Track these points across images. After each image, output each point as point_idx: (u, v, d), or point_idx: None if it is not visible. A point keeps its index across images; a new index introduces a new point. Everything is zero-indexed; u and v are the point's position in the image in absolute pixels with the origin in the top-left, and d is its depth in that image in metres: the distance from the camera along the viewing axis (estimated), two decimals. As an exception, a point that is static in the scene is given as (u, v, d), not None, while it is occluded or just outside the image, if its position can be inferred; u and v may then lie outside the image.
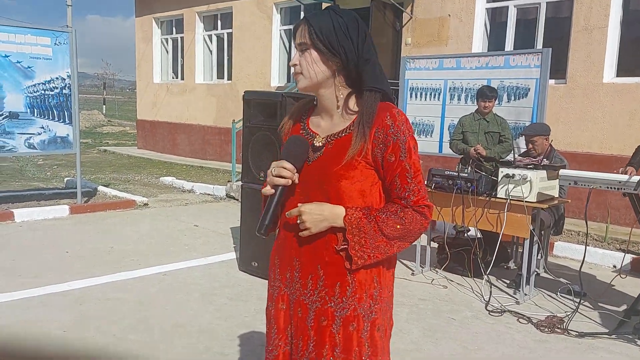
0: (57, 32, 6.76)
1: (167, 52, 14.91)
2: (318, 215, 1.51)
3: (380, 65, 1.58)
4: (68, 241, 5.59)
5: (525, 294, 4.36)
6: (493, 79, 5.87)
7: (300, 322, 1.60)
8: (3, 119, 6.40)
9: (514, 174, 4.17)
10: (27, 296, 4.03)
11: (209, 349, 3.30)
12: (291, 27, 10.75)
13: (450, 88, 6.30)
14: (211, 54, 13.52)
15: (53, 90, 6.73)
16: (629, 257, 5.34)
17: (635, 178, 3.78)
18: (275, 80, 11.63)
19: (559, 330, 3.75)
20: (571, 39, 7.17)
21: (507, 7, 8.09)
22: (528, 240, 4.25)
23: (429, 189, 4.62)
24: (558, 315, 4.02)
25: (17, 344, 3.29)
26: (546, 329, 3.77)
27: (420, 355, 3.35)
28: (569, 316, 3.92)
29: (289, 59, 10.66)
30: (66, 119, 6.88)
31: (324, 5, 9.68)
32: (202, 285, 4.44)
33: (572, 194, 5.98)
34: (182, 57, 14.11)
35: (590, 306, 4.28)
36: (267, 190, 1.58)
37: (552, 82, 6.83)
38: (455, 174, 4.59)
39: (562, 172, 4.28)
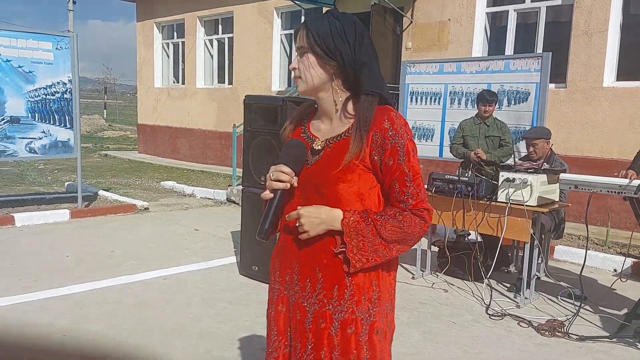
0: (58, 36, 6.79)
1: (168, 56, 14.95)
2: (315, 218, 1.51)
3: (380, 68, 1.58)
4: (68, 245, 5.59)
5: (526, 298, 4.36)
6: (493, 83, 5.88)
7: (299, 325, 1.60)
8: (4, 123, 6.42)
9: (514, 178, 4.17)
10: (27, 300, 4.03)
11: (209, 352, 3.30)
12: (292, 31, 10.78)
13: (450, 92, 6.31)
14: (212, 58, 13.55)
15: (54, 95, 6.75)
16: (629, 261, 5.34)
17: (636, 182, 3.79)
18: (276, 85, 11.64)
19: (559, 334, 3.75)
20: (571, 43, 7.18)
21: (507, 12, 8.10)
22: (528, 244, 4.25)
23: (430, 193, 4.63)
24: (559, 318, 4.02)
25: (17, 348, 3.29)
26: (547, 333, 3.76)
27: (420, 359, 3.34)
28: (570, 320, 3.91)
29: (290, 63, 10.66)
30: (67, 124, 6.89)
31: (325, 9, 9.70)
32: (202, 289, 4.44)
33: (572, 198, 5.99)
34: (183, 61, 14.14)
35: (591, 310, 4.28)
36: (266, 194, 1.58)
37: (552, 86, 6.84)
38: (455, 178, 4.59)
39: (562, 176, 4.28)
